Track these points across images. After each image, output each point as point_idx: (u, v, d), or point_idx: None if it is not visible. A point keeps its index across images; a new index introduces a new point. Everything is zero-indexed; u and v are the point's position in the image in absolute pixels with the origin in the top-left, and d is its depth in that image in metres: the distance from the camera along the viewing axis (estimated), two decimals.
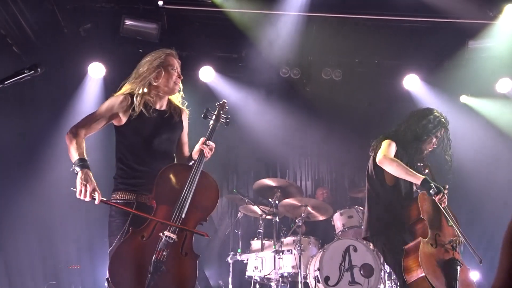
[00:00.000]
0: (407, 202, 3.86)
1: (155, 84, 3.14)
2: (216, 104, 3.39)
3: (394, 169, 3.67)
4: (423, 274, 3.42)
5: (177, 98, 3.33)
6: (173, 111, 3.26)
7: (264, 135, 7.63)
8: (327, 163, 8.69)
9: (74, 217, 6.52)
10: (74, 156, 2.87)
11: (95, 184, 2.82)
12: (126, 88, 3.19)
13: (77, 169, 2.82)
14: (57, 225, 6.54)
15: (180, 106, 3.34)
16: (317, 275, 5.79)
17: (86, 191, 2.77)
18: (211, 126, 3.27)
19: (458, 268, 3.54)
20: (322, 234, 6.77)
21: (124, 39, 6.45)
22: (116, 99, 3.08)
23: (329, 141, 8.06)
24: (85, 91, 6.97)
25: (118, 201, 3.01)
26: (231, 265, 6.50)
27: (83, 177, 2.79)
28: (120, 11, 6.26)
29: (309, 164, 8.71)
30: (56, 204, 6.53)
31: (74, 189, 2.81)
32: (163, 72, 3.15)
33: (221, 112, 3.35)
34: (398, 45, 7.09)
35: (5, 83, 2.36)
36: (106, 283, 2.77)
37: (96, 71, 6.96)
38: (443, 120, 3.98)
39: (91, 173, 2.84)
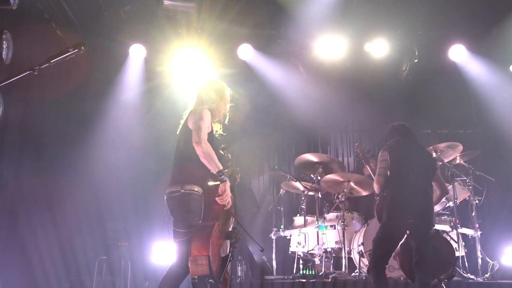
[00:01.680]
0: None
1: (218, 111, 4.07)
2: None
3: None
4: None
5: None
6: None
7: (305, 112, 7.54)
8: (369, 139, 8.53)
9: (121, 197, 6.73)
10: (219, 165, 3.62)
11: None
12: (200, 102, 4.01)
13: (225, 178, 3.62)
14: (105, 205, 6.74)
15: None
16: (361, 250, 5.78)
17: (228, 199, 3.66)
18: None
19: None
20: (365, 209, 6.70)
21: (163, 20, 6.50)
22: (209, 114, 3.84)
23: (371, 116, 7.90)
24: (127, 72, 7.10)
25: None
26: (274, 241, 6.57)
27: (228, 188, 3.64)
28: None
29: (351, 140, 8.56)
30: (104, 184, 6.74)
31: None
32: (225, 104, 4.11)
33: None
34: (442, 13, 6.81)
35: (52, 61, 2.43)
36: (197, 261, 3.35)
37: (137, 53, 7.07)
38: None
39: None
